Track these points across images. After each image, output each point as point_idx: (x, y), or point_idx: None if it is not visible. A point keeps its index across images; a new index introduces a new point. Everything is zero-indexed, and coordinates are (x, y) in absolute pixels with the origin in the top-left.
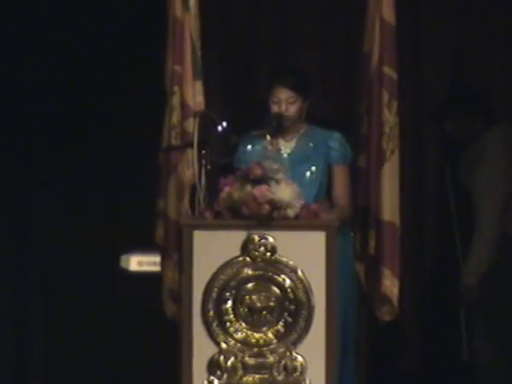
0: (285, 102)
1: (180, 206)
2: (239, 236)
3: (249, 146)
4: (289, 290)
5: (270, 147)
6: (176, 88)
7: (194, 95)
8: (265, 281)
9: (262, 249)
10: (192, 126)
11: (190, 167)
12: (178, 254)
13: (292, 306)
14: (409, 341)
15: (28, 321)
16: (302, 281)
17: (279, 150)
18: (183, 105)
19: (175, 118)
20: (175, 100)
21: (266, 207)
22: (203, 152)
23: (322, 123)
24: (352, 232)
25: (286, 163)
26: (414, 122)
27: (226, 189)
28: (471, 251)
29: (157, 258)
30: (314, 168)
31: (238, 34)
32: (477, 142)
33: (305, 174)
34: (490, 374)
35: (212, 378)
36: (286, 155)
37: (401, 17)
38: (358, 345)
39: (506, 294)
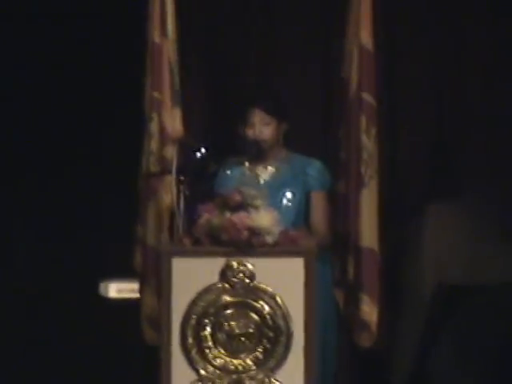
0: (258, 124)
1: (159, 232)
2: (218, 262)
3: (228, 171)
4: (267, 316)
5: (248, 173)
6: (154, 114)
7: (173, 121)
8: (244, 307)
9: (241, 275)
10: (170, 152)
11: (168, 194)
12: (157, 281)
13: (271, 333)
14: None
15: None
16: (280, 307)
17: (257, 175)
18: (162, 131)
19: (154, 144)
20: (154, 126)
21: (245, 234)
22: (182, 178)
23: (300, 148)
24: (330, 258)
25: (265, 189)
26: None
27: (205, 215)
28: None
29: (135, 285)
30: (290, 195)
31: (218, 59)
32: None
33: (282, 200)
34: None
35: None
36: (263, 181)
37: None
38: (337, 371)
39: None
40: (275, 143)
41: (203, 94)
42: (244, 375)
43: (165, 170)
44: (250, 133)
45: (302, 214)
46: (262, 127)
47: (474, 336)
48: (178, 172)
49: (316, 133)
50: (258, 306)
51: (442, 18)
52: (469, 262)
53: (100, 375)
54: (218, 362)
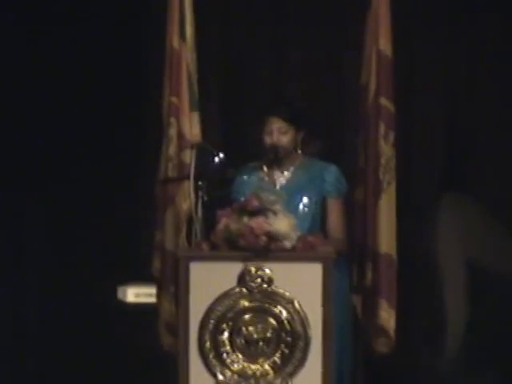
0: (276, 132)
1: (177, 238)
2: (236, 268)
3: (245, 177)
4: (285, 321)
5: (266, 178)
6: (173, 119)
7: (191, 127)
8: (261, 312)
9: (259, 280)
10: (189, 157)
11: (187, 199)
12: (175, 286)
13: (288, 338)
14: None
15: (24, 351)
16: (298, 312)
17: (274, 181)
18: (180, 136)
19: (172, 149)
20: (172, 131)
21: (263, 239)
22: (200, 184)
23: (317, 156)
24: (348, 264)
25: (282, 194)
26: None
27: (223, 220)
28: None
29: (153, 290)
30: (307, 200)
31: (235, 65)
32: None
33: (298, 205)
34: None
35: None
36: (280, 186)
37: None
38: (354, 378)
39: None
40: (292, 150)
41: (220, 100)
42: (262, 380)
43: (183, 176)
44: (267, 139)
45: (318, 219)
46: (279, 135)
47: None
48: (196, 177)
49: (332, 141)
50: (276, 311)
51: (454, 23)
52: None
53: (117, 380)
54: (236, 366)
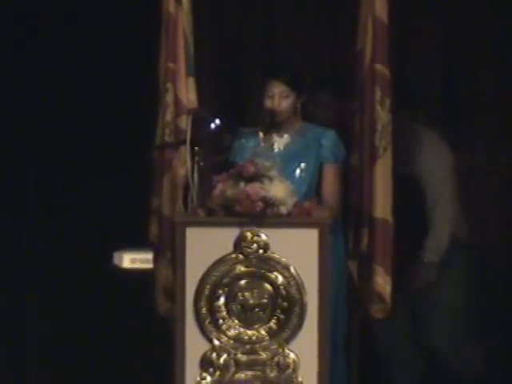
0: (278, 96)
1: (174, 203)
2: (232, 233)
3: (244, 141)
4: (281, 287)
5: (262, 144)
6: (169, 85)
7: (188, 92)
8: (257, 278)
9: (255, 246)
10: (185, 123)
11: (183, 165)
12: (172, 252)
13: (284, 303)
14: None
15: (22, 318)
16: (294, 278)
17: (272, 146)
18: (177, 102)
19: (169, 115)
20: (169, 97)
21: (259, 205)
22: (196, 149)
23: (314, 121)
24: (344, 230)
25: (278, 160)
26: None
27: (219, 186)
28: (433, 229)
29: (150, 256)
30: (304, 165)
31: (231, 29)
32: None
33: (295, 171)
34: None
35: (204, 374)
36: (277, 151)
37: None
38: (349, 343)
39: None
40: (292, 115)
41: (217, 65)
42: (258, 345)
43: (180, 141)
44: (268, 103)
45: (314, 184)
46: (281, 99)
47: None
48: (192, 143)
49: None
50: (272, 276)
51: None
52: None
53: (113, 345)
54: (232, 332)
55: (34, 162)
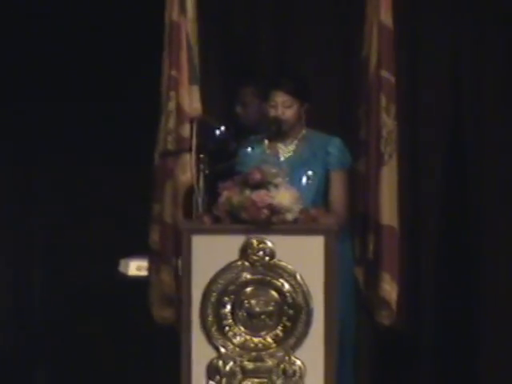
0: (281, 105)
1: (175, 211)
2: (238, 240)
3: (249, 149)
4: (287, 294)
5: (268, 151)
6: (172, 93)
7: (191, 100)
8: (263, 285)
9: (261, 253)
10: (188, 131)
11: (185, 172)
12: (175, 259)
13: (291, 311)
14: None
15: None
16: (300, 285)
17: (277, 154)
18: (179, 110)
19: (171, 123)
20: (171, 105)
21: (265, 212)
22: (201, 157)
23: (320, 128)
24: (350, 237)
25: (285, 167)
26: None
27: (225, 193)
28: None
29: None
30: (311, 173)
31: (236, 37)
32: None
33: (302, 178)
34: None
35: (211, 382)
36: (283, 159)
37: (398, 19)
38: (357, 350)
39: None
40: (296, 122)
41: (222, 73)
42: (264, 353)
43: (182, 149)
44: (271, 112)
45: (321, 192)
46: (284, 109)
47: None
48: (198, 150)
49: (335, 113)
50: (278, 283)
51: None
52: None
53: (119, 352)
54: (238, 339)
55: (41, 169)
